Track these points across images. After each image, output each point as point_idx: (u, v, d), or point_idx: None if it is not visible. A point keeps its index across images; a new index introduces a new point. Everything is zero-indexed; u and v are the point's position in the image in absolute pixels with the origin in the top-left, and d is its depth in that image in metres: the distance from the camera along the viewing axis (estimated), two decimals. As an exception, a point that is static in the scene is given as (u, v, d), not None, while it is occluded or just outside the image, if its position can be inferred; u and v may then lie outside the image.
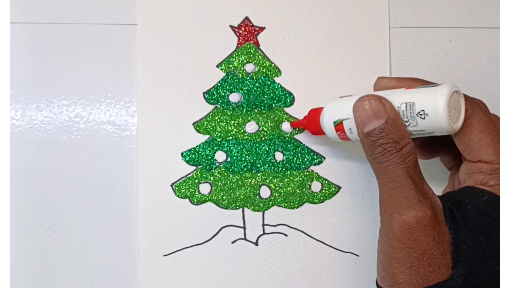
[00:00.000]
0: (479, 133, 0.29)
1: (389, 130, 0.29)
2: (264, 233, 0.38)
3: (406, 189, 0.29)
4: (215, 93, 0.39)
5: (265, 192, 0.38)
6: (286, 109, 0.39)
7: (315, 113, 0.35)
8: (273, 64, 0.39)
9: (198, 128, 0.38)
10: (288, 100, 0.39)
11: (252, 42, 0.39)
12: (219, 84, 0.39)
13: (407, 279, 0.28)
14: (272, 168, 0.38)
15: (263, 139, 0.38)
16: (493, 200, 0.28)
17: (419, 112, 0.28)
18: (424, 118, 0.28)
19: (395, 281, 0.29)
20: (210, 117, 0.38)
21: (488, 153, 0.29)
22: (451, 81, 0.40)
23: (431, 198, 0.29)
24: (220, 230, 0.38)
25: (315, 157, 0.39)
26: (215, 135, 0.38)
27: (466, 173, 0.31)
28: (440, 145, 0.35)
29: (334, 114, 0.32)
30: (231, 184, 0.38)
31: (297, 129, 0.39)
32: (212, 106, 0.39)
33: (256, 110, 0.39)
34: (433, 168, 0.37)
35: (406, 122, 0.29)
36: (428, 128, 0.29)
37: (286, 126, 0.39)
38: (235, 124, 0.38)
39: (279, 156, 0.38)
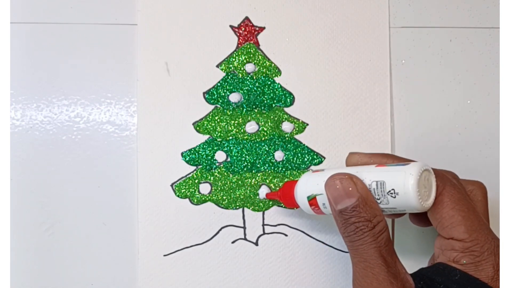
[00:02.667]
0: (450, 210, 0.29)
1: (361, 209, 0.29)
2: (264, 233, 0.38)
3: (377, 269, 0.28)
4: (215, 93, 0.39)
5: (265, 192, 0.38)
6: (286, 109, 0.39)
7: (290, 186, 0.35)
8: (273, 64, 0.39)
9: (198, 128, 0.38)
10: (288, 100, 0.39)
11: (252, 42, 0.39)
12: (219, 84, 0.39)
13: None
14: (272, 168, 0.38)
15: (263, 139, 0.38)
16: (465, 280, 0.28)
17: (390, 191, 0.29)
18: (394, 197, 0.29)
19: None
20: (210, 117, 0.38)
21: (459, 231, 0.28)
22: (451, 81, 0.40)
23: (403, 278, 0.29)
24: (220, 230, 0.38)
25: (315, 157, 0.39)
26: (215, 135, 0.38)
27: (439, 248, 0.30)
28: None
29: (308, 189, 0.32)
30: (231, 184, 0.38)
31: (297, 128, 0.39)
32: (212, 106, 0.39)
33: (256, 110, 0.39)
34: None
35: (378, 199, 0.29)
36: (399, 206, 0.29)
37: (286, 126, 0.39)
38: (235, 124, 0.38)
39: (279, 156, 0.38)
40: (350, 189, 0.29)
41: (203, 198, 0.38)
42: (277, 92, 0.39)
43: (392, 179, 0.29)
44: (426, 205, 0.29)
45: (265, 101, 0.39)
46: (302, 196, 0.33)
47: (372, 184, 0.29)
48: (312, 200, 0.32)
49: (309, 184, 0.32)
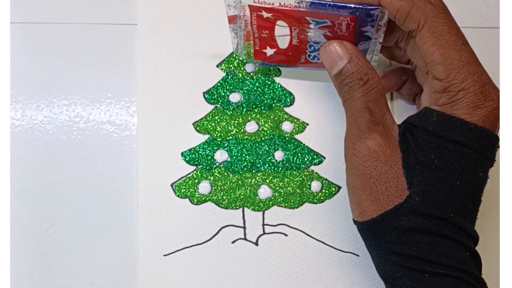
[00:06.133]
0: (430, 46, 0.29)
1: (353, 68, 0.30)
2: (264, 233, 0.38)
3: (360, 120, 0.30)
4: (215, 93, 0.39)
5: (265, 192, 0.38)
6: (286, 109, 0.39)
7: None
8: (273, 64, 0.39)
9: (198, 128, 0.38)
10: (288, 100, 0.39)
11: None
12: (219, 84, 0.39)
13: (369, 206, 0.30)
14: (272, 168, 0.38)
15: (263, 139, 0.38)
16: (442, 120, 0.29)
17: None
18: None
19: (361, 210, 0.31)
20: (210, 117, 0.38)
21: (438, 71, 0.29)
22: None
23: (388, 125, 0.30)
24: (220, 230, 0.38)
25: (315, 157, 0.39)
26: (215, 135, 0.38)
27: (426, 93, 0.31)
28: (399, 73, 0.36)
29: None
30: (231, 184, 0.38)
31: (297, 128, 0.39)
32: (212, 106, 0.39)
33: (256, 110, 0.39)
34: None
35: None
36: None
37: (286, 126, 0.39)
38: (235, 124, 0.38)
39: (279, 156, 0.38)
40: (340, 52, 0.30)
41: (203, 198, 0.38)
42: (277, 92, 0.39)
43: None
44: None
45: (265, 101, 0.39)
46: None
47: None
48: None
49: None
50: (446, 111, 0.29)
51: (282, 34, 0.33)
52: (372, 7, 0.30)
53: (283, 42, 0.34)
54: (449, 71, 0.28)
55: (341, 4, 0.30)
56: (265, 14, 0.32)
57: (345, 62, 0.30)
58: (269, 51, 0.35)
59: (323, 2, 0.30)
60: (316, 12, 0.31)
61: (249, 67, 0.39)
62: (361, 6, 0.30)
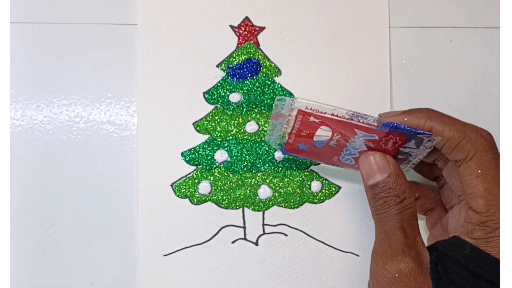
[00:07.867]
0: (474, 179, 0.29)
1: (391, 184, 0.30)
2: (264, 233, 0.38)
3: (394, 240, 0.29)
4: (215, 93, 0.39)
5: (265, 192, 0.38)
6: (286, 109, 0.39)
7: None
8: (273, 64, 0.39)
9: (198, 128, 0.38)
10: (288, 100, 0.39)
11: (252, 42, 0.39)
12: (219, 84, 0.39)
13: None
14: (272, 168, 0.38)
15: (263, 139, 0.38)
16: (475, 255, 0.28)
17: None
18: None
19: None
20: (210, 117, 0.38)
21: (478, 204, 0.29)
22: (451, 81, 0.40)
23: (420, 250, 0.30)
24: (220, 230, 0.38)
25: (315, 157, 0.39)
26: (215, 135, 0.38)
27: (455, 218, 0.31)
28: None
29: None
30: (231, 184, 0.38)
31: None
32: (212, 106, 0.39)
33: (256, 110, 0.39)
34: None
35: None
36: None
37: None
38: (235, 124, 0.38)
39: (279, 156, 0.38)
40: (382, 165, 0.30)
41: (203, 198, 0.38)
42: (277, 92, 0.39)
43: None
44: None
45: (265, 101, 0.39)
46: None
47: None
48: None
49: None
50: (480, 246, 0.28)
51: (322, 135, 0.32)
52: (426, 134, 0.30)
53: (320, 143, 0.32)
54: (490, 206, 0.28)
55: (396, 125, 0.30)
56: (312, 119, 0.31)
57: (385, 176, 0.30)
58: (302, 146, 0.33)
59: (376, 120, 0.30)
60: (367, 128, 0.30)
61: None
62: (414, 131, 0.30)
